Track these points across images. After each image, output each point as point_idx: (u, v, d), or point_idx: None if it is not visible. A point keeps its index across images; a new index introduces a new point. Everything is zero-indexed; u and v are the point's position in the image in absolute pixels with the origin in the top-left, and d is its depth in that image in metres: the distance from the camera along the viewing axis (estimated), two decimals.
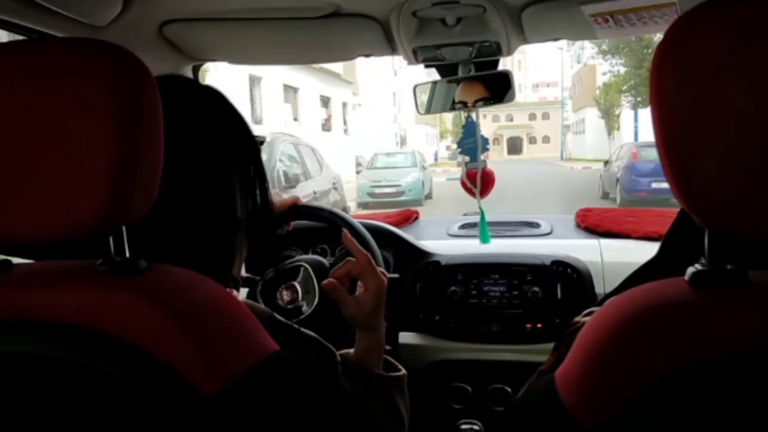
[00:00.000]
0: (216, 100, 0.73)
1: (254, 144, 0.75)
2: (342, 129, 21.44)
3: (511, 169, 29.27)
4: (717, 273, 0.48)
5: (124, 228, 0.54)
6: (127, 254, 0.54)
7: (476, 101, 1.23)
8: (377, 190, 13.33)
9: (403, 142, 31.68)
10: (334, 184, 8.18)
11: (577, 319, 0.83)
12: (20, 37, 0.95)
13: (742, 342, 0.44)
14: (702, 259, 0.49)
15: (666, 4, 0.94)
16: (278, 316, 0.65)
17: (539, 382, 0.58)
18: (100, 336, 0.51)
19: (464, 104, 1.22)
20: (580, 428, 0.48)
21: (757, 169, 0.41)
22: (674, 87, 0.43)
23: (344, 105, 21.88)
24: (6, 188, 0.50)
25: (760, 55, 0.41)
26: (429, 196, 14.16)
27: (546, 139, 65.77)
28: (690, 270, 0.48)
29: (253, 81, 14.09)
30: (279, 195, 1.21)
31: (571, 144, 46.35)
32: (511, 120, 66.93)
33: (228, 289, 0.61)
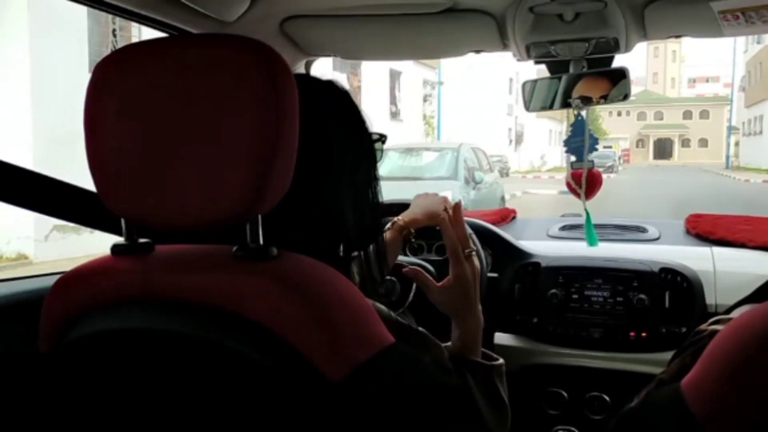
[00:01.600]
0: (336, 95, 0.79)
1: (370, 141, 0.82)
2: (387, 110, 16.65)
3: (656, 179, 23.77)
4: None
5: (259, 216, 0.59)
6: (261, 241, 0.60)
7: (585, 99, 1.26)
8: None
9: (518, 140, 26.49)
10: None
11: (702, 327, 0.86)
12: (153, 31, 1.11)
13: None
14: None
15: None
16: (396, 316, 0.71)
17: (662, 392, 0.60)
18: (232, 317, 0.57)
19: (566, 102, 1.26)
20: None
21: None
22: None
23: (394, 75, 17.06)
24: (157, 176, 0.57)
25: None
26: None
27: (703, 143, 60.95)
28: None
29: None
30: (435, 195, 1.24)
31: (740, 149, 41.28)
32: (661, 119, 62.54)
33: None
